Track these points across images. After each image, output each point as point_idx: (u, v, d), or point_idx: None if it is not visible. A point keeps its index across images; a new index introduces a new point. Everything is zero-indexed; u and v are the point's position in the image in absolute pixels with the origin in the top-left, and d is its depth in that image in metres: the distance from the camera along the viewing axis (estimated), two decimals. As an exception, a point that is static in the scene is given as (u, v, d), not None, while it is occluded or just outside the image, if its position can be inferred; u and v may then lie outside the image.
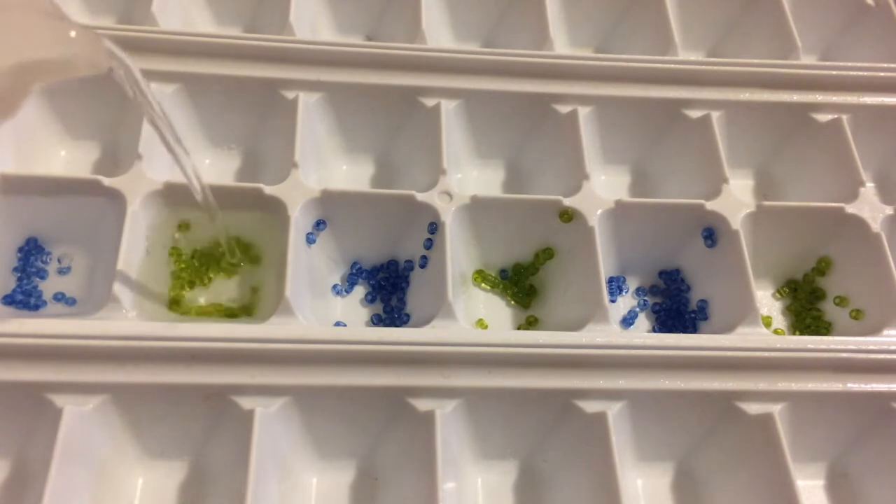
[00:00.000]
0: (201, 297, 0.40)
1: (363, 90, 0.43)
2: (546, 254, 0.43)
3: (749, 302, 0.39)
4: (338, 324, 0.40)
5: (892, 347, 0.38)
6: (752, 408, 0.37)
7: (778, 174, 0.48)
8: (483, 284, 0.43)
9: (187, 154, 0.35)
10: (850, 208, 0.43)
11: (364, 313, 0.42)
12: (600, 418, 0.36)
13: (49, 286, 0.40)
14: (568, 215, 0.41)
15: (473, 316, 0.42)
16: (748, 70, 0.46)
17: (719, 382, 0.37)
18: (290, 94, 0.43)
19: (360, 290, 0.42)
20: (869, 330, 0.40)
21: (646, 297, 0.44)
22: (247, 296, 0.41)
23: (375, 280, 0.42)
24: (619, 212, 0.41)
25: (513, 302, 0.43)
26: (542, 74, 0.44)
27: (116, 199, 0.38)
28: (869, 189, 0.44)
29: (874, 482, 0.39)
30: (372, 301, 0.42)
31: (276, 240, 0.38)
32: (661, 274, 0.45)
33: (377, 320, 0.41)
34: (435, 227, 0.40)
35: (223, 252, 0.41)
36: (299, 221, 0.39)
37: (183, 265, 0.41)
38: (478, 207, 0.41)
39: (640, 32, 0.50)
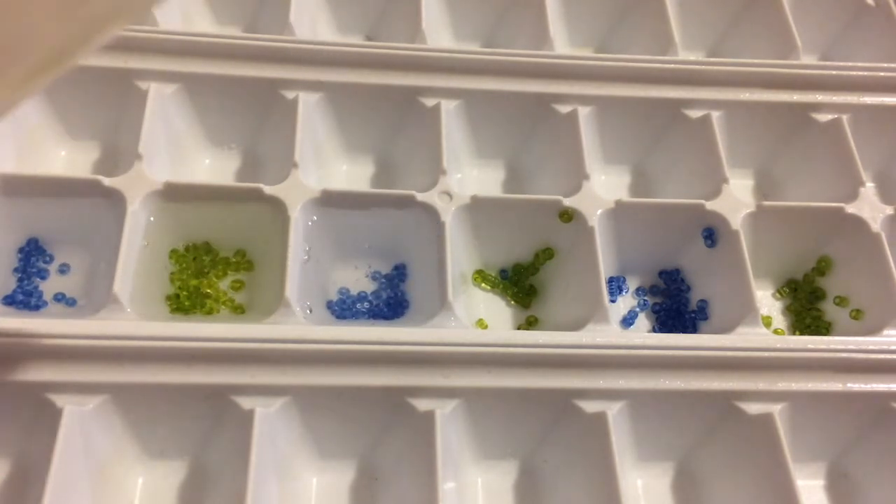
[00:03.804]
0: (201, 297, 0.40)
1: (363, 90, 0.43)
2: (546, 254, 0.43)
3: (749, 302, 0.39)
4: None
5: (892, 347, 0.38)
6: (752, 408, 0.37)
7: (778, 174, 0.48)
8: (483, 284, 0.43)
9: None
10: (850, 208, 0.43)
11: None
12: (600, 418, 0.36)
13: (49, 286, 0.40)
14: (568, 215, 0.41)
15: (473, 316, 0.42)
16: (748, 70, 0.46)
17: (719, 382, 0.37)
18: (290, 94, 0.43)
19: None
20: (869, 330, 0.40)
21: (646, 297, 0.44)
22: (247, 296, 0.41)
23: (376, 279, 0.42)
24: (619, 212, 0.41)
25: (513, 302, 0.43)
26: (542, 74, 0.44)
27: (116, 199, 0.38)
28: (869, 189, 0.44)
29: (874, 482, 0.39)
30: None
31: (276, 240, 0.38)
32: (661, 274, 0.45)
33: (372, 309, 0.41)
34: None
35: (223, 256, 0.41)
36: (299, 221, 0.39)
37: (183, 265, 0.41)
38: (478, 207, 0.41)
39: (640, 32, 0.50)
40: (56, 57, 0.20)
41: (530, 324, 0.42)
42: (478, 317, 0.42)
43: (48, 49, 0.20)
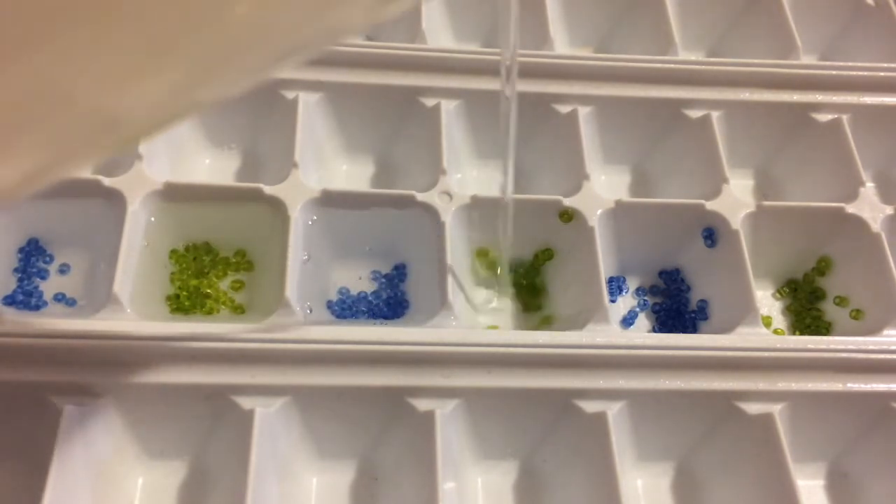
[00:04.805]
0: (201, 297, 0.40)
1: (363, 90, 0.43)
2: (546, 254, 0.43)
3: (749, 302, 0.39)
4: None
5: (892, 347, 0.38)
6: (752, 408, 0.37)
7: (778, 174, 0.48)
8: (483, 265, 0.43)
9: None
10: (850, 208, 0.43)
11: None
12: (600, 418, 0.36)
13: (49, 286, 0.40)
14: (568, 215, 0.41)
15: (474, 316, 0.42)
16: (748, 70, 0.46)
17: (719, 382, 0.37)
18: (289, 94, 0.43)
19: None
20: (869, 330, 0.40)
21: (646, 297, 0.44)
22: (247, 296, 0.41)
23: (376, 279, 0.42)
24: (619, 212, 0.41)
25: (519, 304, 0.43)
26: (542, 74, 0.44)
27: (116, 199, 0.38)
28: (869, 189, 0.44)
29: (874, 482, 0.39)
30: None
31: (276, 240, 0.38)
32: (661, 274, 0.45)
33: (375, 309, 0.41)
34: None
35: (223, 256, 0.41)
36: (299, 221, 0.39)
37: (183, 265, 0.41)
38: (478, 207, 0.41)
39: (640, 32, 0.50)
40: (136, 135, 0.21)
41: (543, 324, 0.42)
42: (479, 318, 0.42)
43: (140, 128, 0.20)
